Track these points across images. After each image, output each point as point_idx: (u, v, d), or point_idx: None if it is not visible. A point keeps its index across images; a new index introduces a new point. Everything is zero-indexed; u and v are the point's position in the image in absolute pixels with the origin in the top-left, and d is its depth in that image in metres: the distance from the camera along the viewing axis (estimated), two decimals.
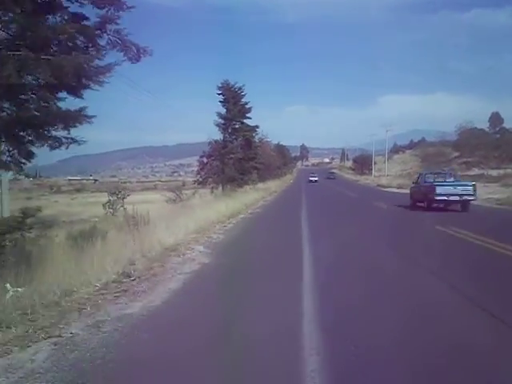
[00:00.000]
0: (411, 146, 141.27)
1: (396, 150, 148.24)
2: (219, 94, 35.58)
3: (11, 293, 5.22)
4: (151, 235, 9.23)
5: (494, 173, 46.51)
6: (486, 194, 26.14)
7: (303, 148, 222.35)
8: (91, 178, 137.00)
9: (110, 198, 19.71)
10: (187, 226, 11.55)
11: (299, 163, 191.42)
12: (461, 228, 12.40)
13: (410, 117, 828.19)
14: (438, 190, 18.36)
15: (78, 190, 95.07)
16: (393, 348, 4.10)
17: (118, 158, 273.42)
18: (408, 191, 24.29)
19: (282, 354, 3.98)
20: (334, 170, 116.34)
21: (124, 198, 19.87)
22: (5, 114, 6.63)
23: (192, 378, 3.63)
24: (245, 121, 37.07)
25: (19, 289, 5.35)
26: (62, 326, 4.72)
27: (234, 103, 35.42)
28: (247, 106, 36.42)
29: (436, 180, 20.25)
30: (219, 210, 16.28)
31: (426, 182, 20.31)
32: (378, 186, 51.59)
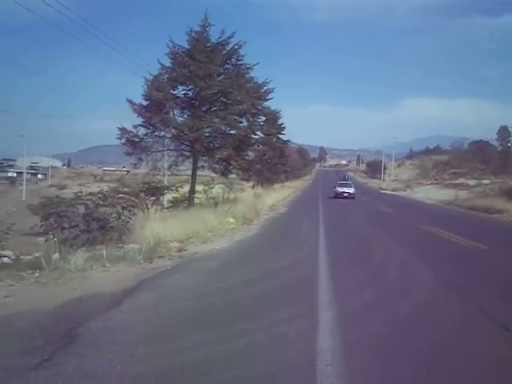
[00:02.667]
0: (427, 152, 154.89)
1: (410, 155, 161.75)
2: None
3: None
4: (260, 203, 25.04)
5: (472, 182, 61.37)
6: (440, 196, 41.50)
7: (322, 150, 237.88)
8: (124, 169, 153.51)
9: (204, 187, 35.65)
10: (268, 203, 27.33)
11: (317, 164, 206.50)
12: (387, 207, 28.12)
13: (432, 121, 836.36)
14: (337, 189, 37.20)
15: (119, 180, 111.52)
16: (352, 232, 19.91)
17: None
18: (397, 193, 40.86)
19: (314, 220, 19.72)
20: (349, 173, 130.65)
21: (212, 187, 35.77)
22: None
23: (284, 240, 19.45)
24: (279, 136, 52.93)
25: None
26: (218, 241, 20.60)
27: (272, 123, 51.30)
28: (282, 126, 52.20)
29: (338, 184, 41.19)
30: (274, 197, 32.14)
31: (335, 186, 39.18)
32: (380, 188, 67.12)
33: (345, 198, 39.09)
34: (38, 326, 5.42)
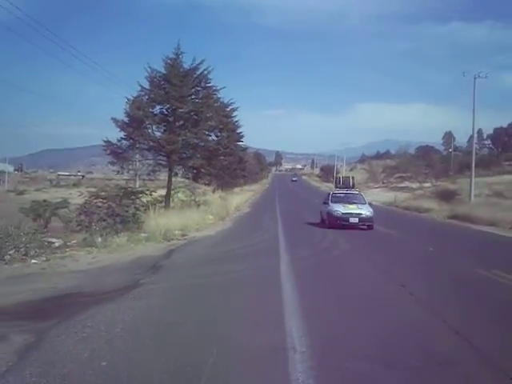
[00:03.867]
0: (378, 156, 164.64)
1: (362, 159, 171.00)
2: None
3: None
4: (227, 205, 30.26)
5: (415, 185, 68.97)
6: (384, 198, 48.15)
7: (278, 155, 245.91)
8: (79, 173, 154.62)
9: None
10: (233, 204, 32.57)
11: (273, 169, 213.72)
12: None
13: (384, 126, 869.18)
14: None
15: (75, 185, 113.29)
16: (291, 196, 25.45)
17: (91, 153, 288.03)
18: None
19: (273, 216, 25.13)
20: (303, 177, 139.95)
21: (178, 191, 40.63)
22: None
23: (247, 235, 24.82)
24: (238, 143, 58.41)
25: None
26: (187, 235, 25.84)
27: (232, 131, 56.70)
28: (241, 134, 57.72)
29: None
30: (238, 200, 37.42)
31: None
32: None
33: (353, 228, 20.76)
34: (130, 267, 10.43)
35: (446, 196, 40.09)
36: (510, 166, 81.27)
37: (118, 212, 16.25)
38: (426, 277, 9.77)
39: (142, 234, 15.37)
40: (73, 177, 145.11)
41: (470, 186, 38.86)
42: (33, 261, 11.77)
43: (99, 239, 14.45)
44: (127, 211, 16.90)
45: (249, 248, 13.31)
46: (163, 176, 31.73)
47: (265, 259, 11.35)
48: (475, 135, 46.62)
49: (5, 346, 5.12)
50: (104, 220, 15.85)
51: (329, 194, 24.24)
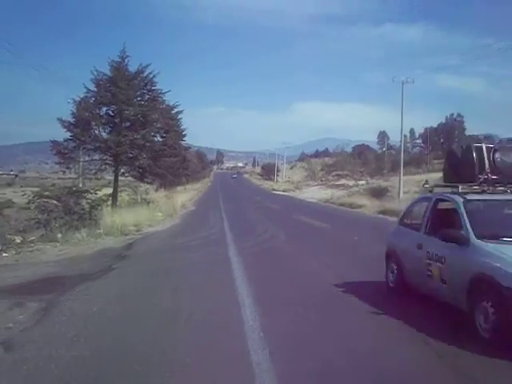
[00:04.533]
0: (317, 154, 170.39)
1: (302, 158, 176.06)
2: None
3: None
4: (173, 203, 31.91)
5: (351, 183, 73.21)
6: (322, 195, 51.40)
7: (219, 153, 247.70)
8: (12, 172, 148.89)
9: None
10: (179, 202, 34.26)
11: (215, 167, 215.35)
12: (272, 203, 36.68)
13: (324, 124, 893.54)
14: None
15: (10, 184, 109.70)
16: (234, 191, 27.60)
17: (23, 151, 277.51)
18: (287, 194, 49.02)
19: (218, 213, 27.17)
20: (245, 175, 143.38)
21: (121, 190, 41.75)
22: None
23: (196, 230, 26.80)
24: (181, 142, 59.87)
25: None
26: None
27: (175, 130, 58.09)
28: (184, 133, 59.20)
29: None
30: (183, 198, 39.08)
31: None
32: (273, 189, 76.96)
33: None
34: (97, 257, 12.14)
35: (378, 193, 43.70)
36: (439, 165, 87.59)
37: (76, 210, 17.68)
38: (342, 256, 12.29)
39: (99, 230, 16.91)
40: (5, 176, 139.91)
41: (399, 184, 42.63)
42: (4, 254, 13.18)
43: (59, 235, 15.90)
44: (83, 209, 18.38)
45: (200, 240, 15.27)
46: (109, 176, 32.82)
47: (215, 248, 13.39)
48: (402, 138, 50.74)
49: (26, 309, 6.88)
50: (62, 218, 17.24)
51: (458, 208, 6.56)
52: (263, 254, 12.76)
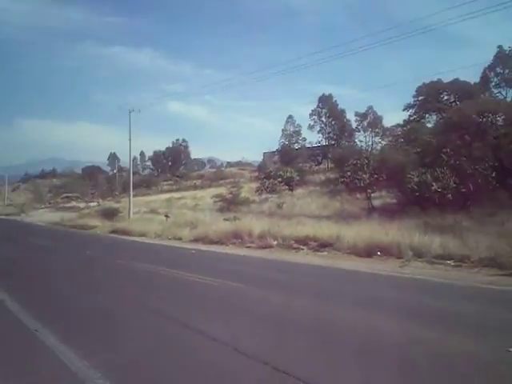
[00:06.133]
0: (43, 175, 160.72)
1: (26, 178, 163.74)
2: None
3: None
4: None
5: (82, 205, 73.76)
6: (51, 218, 51.27)
7: None
8: None
9: None
10: None
11: None
12: None
13: (49, 144, 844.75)
14: None
15: None
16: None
17: None
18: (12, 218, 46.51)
19: None
20: None
21: None
22: None
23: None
24: None
25: None
26: None
27: None
28: None
29: None
30: None
31: None
32: None
33: None
34: None
35: (109, 214, 46.39)
36: (168, 186, 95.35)
37: None
38: (79, 264, 15.07)
39: None
40: None
41: (129, 205, 46.34)
42: None
43: None
44: None
45: None
46: None
47: None
48: (131, 162, 54.72)
49: None
50: None
51: None
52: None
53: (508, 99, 51.49)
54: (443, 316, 8.10)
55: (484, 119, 28.68)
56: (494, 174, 24.91)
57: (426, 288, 11.30)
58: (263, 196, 45.26)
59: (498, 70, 54.18)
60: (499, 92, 54.19)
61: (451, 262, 14.45)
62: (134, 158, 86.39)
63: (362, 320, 7.76)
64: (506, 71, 53.68)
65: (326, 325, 7.60)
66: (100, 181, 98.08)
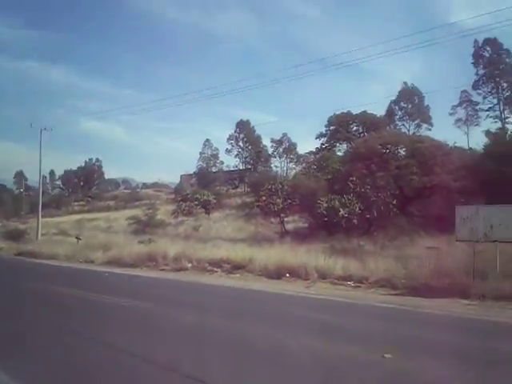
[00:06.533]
0: None
1: None
2: None
3: None
4: None
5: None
6: None
7: None
8: None
9: None
10: None
11: None
12: None
13: None
14: None
15: None
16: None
17: None
18: None
19: None
20: None
21: None
22: None
23: None
24: None
25: None
26: None
27: None
28: None
29: None
30: None
31: None
32: None
33: None
34: None
35: (15, 235, 44.21)
36: (79, 206, 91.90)
37: None
38: None
39: None
40: None
41: (38, 226, 44.47)
42: None
43: None
44: None
45: None
46: None
47: None
48: (41, 180, 52.57)
49: None
50: None
51: None
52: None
53: (411, 132, 56.14)
54: (332, 329, 9.20)
55: (387, 151, 31.32)
56: (394, 202, 27.25)
57: (325, 306, 12.41)
58: (179, 219, 45.41)
59: (402, 104, 58.95)
60: (403, 124, 58.91)
61: (351, 283, 15.76)
62: (44, 177, 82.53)
63: (264, 333, 8.62)
64: (409, 106, 58.56)
65: (231, 337, 8.38)
66: (5, 200, 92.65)
